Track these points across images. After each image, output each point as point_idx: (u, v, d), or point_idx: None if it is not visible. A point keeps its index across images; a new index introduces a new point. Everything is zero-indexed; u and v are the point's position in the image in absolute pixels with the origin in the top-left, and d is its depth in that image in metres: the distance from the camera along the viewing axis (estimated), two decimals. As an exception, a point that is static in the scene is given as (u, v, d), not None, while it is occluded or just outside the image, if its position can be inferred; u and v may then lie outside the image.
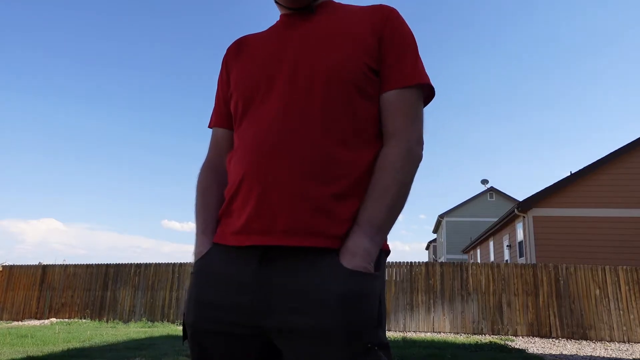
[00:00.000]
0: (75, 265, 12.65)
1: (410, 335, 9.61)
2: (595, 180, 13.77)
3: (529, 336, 9.76)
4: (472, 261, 22.13)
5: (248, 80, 1.01)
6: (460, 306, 10.30)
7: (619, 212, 13.27)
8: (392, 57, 0.98)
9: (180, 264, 12.00)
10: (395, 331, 10.27)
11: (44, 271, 12.76)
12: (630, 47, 38.34)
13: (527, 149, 52.18)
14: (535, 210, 13.83)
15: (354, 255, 0.85)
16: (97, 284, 12.28)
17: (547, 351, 7.72)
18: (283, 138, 0.90)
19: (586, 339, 9.49)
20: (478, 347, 7.74)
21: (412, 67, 0.98)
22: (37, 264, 13.02)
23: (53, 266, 12.77)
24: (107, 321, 11.71)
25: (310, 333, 0.82)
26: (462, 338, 9.27)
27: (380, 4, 1.04)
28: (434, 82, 1.01)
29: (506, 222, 16.61)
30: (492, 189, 31.35)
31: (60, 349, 6.57)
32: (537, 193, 13.90)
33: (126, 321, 11.64)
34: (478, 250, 23.54)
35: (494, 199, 31.20)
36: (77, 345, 7.06)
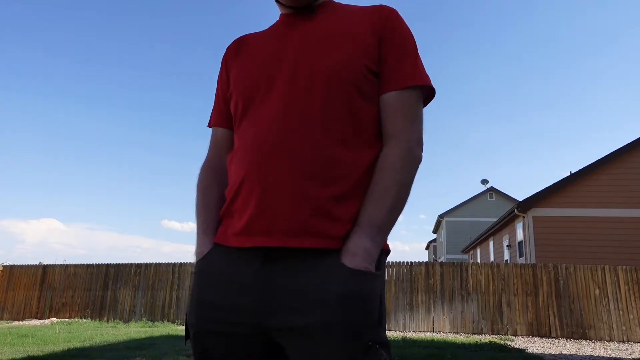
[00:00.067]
0: (76, 265, 12.65)
1: (410, 335, 9.61)
2: (595, 180, 13.77)
3: (529, 336, 9.77)
4: (472, 261, 22.14)
5: (248, 80, 1.01)
6: (460, 306, 10.30)
7: (619, 212, 13.27)
8: (392, 58, 0.98)
9: (181, 264, 12.00)
10: (395, 331, 10.27)
11: (44, 271, 12.76)
12: (630, 47, 38.36)
13: (527, 149, 52.24)
14: (535, 210, 13.83)
15: (354, 255, 0.85)
16: (97, 283, 12.28)
17: (546, 351, 7.73)
18: (283, 138, 0.90)
19: (586, 339, 9.49)
20: (478, 346, 7.75)
21: (412, 67, 0.99)
22: (37, 264, 13.03)
23: (53, 266, 12.77)
24: (107, 321, 11.72)
25: (311, 332, 0.82)
26: (462, 338, 9.27)
27: (380, 5, 1.04)
28: (434, 82, 1.01)
29: (506, 222, 16.60)
30: (492, 189, 31.34)
31: (61, 348, 6.58)
32: (537, 193, 13.90)
33: (126, 321, 11.64)
34: (478, 250, 23.54)
35: (493, 199, 31.20)
36: (78, 345, 7.06)
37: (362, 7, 1.06)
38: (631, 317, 9.55)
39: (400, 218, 0.94)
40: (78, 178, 42.18)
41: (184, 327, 1.00)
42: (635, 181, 13.52)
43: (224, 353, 0.92)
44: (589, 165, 13.85)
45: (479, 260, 22.90)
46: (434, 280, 10.57)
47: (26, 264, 13.11)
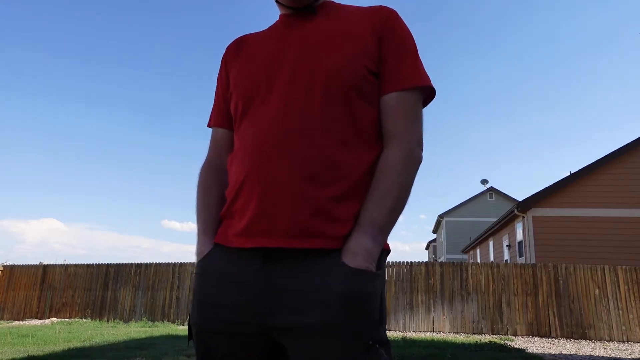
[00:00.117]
0: (76, 265, 12.66)
1: (410, 335, 9.61)
2: (595, 180, 13.77)
3: (529, 336, 9.77)
4: (471, 261, 22.14)
5: (248, 81, 1.01)
6: (460, 306, 10.31)
7: (619, 212, 13.28)
8: (392, 58, 0.98)
9: (181, 264, 12.00)
10: (395, 331, 10.27)
11: (44, 271, 12.76)
12: (630, 47, 38.35)
13: (527, 149, 52.22)
14: (534, 210, 13.83)
15: (356, 254, 0.86)
16: (97, 283, 12.29)
17: (546, 351, 7.73)
18: (283, 138, 0.90)
19: (585, 339, 9.49)
20: (478, 346, 7.75)
21: (412, 68, 0.99)
22: (37, 263, 13.03)
23: (54, 266, 12.77)
24: (107, 321, 11.72)
25: (312, 332, 0.82)
26: (461, 338, 9.27)
27: (380, 5, 1.04)
28: (434, 82, 1.01)
29: (506, 222, 16.61)
30: (492, 189, 31.34)
31: (61, 348, 6.58)
32: (537, 193, 13.90)
33: (127, 321, 11.64)
34: (478, 250, 23.54)
35: (493, 199, 31.20)
36: (78, 344, 7.06)
37: (362, 7, 1.06)
38: (631, 317, 9.55)
39: (401, 218, 0.94)
40: (78, 178, 42.22)
41: (184, 327, 1.01)
42: (635, 181, 13.52)
43: (225, 353, 0.92)
44: (588, 165, 13.85)
45: (478, 260, 22.90)
46: (434, 280, 10.57)
47: (26, 264, 13.12)
